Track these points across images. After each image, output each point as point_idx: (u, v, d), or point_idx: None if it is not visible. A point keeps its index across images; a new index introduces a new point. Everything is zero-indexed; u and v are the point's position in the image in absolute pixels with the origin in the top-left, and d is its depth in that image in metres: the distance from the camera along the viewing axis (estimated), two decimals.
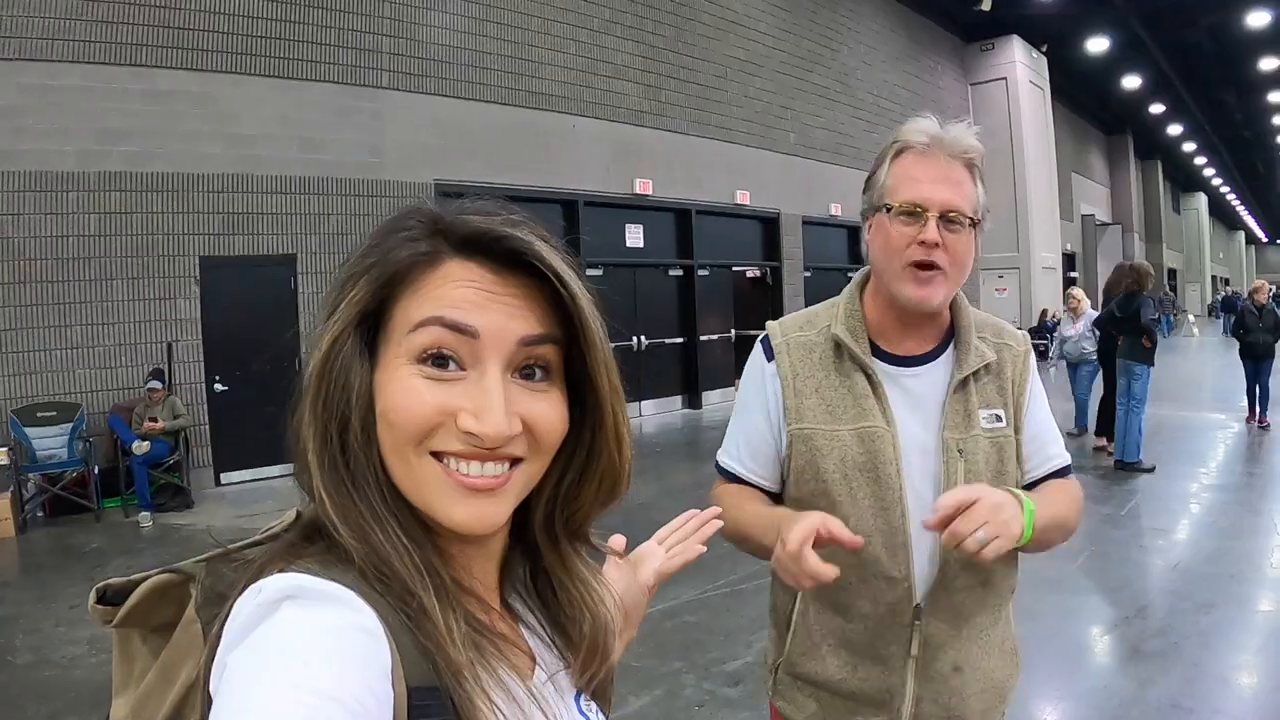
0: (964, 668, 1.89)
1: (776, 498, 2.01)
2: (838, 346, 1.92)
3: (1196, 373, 22.72)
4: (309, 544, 0.81)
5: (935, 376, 1.91)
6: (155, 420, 9.84)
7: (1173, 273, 52.80)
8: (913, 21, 25.08)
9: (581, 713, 0.97)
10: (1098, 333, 11.41)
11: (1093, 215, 36.55)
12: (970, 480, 1.82)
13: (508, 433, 0.81)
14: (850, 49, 21.80)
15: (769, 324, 2.07)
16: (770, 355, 1.99)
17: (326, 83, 12.25)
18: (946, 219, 1.77)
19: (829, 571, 1.58)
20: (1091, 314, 12.00)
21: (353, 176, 12.32)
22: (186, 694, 0.78)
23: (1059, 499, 1.88)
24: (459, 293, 0.82)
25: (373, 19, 12.76)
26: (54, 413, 9.89)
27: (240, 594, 0.74)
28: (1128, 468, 10.18)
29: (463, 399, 0.81)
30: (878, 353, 1.92)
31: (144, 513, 9.52)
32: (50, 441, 9.80)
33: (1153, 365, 10.35)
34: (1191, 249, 60.22)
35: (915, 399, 1.89)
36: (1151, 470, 10.07)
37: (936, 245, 1.76)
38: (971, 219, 1.79)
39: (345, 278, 0.84)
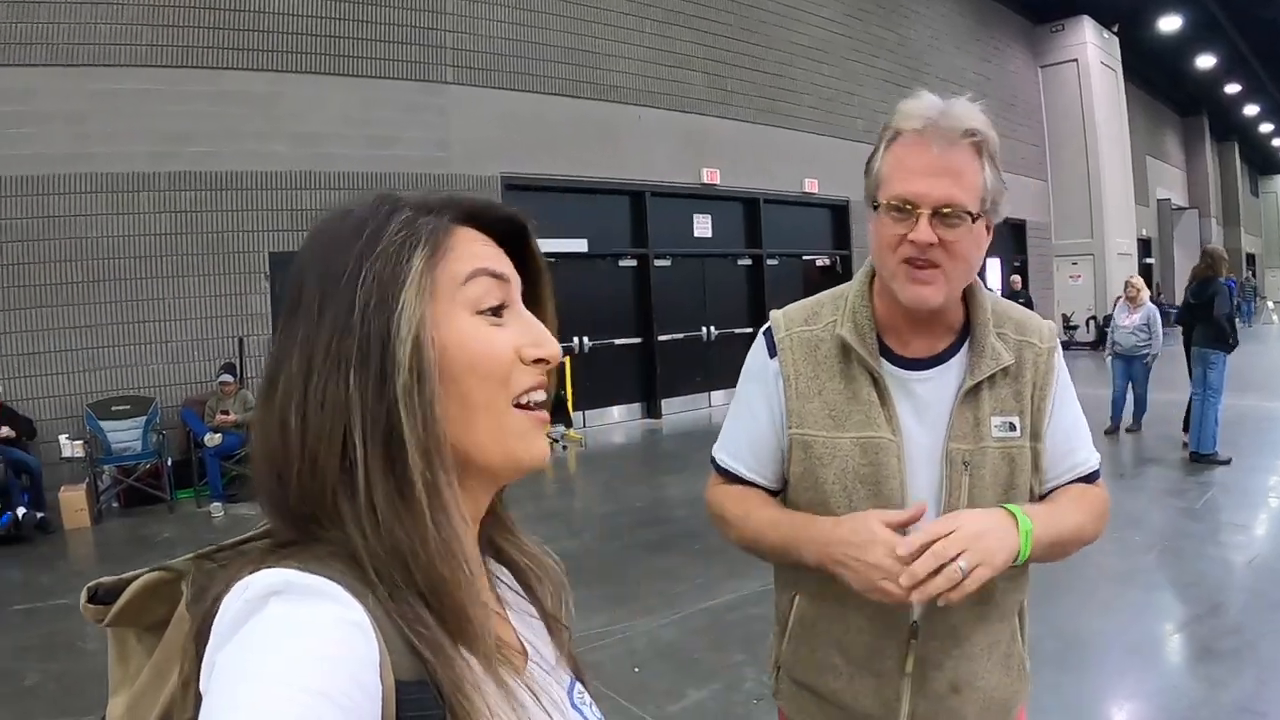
0: (962, 688, 1.79)
1: (775, 497, 1.91)
2: (844, 347, 1.79)
3: (1278, 362, 22.12)
4: (298, 541, 0.81)
5: (945, 381, 1.77)
6: (227, 413, 10.05)
7: (1251, 258, 51.65)
8: (980, 3, 24.63)
9: (574, 706, 0.97)
10: (1178, 327, 11.05)
11: (1169, 199, 35.85)
12: (976, 495, 1.71)
13: (560, 353, 0.93)
14: (917, 33, 21.53)
15: (773, 314, 1.94)
16: (773, 351, 1.88)
17: (392, 79, 12.39)
18: (941, 215, 1.61)
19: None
20: (1150, 307, 11.65)
21: (420, 172, 12.39)
22: (178, 692, 0.79)
23: (1073, 511, 1.76)
24: (483, 249, 0.91)
25: (437, 15, 12.86)
26: (128, 406, 10.14)
27: (228, 591, 0.74)
28: (1203, 460, 9.88)
29: (518, 337, 0.89)
30: (886, 353, 1.79)
31: (216, 503, 9.72)
32: (125, 434, 10.06)
33: (1228, 353, 10.01)
34: (1271, 233, 58.84)
35: (923, 406, 1.77)
36: (1228, 463, 9.76)
37: (931, 245, 1.61)
38: (972, 212, 1.62)
39: (370, 269, 0.83)
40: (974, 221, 1.63)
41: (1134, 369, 11.75)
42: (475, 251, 0.89)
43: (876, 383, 1.76)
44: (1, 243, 9.70)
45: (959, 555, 1.49)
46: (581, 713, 0.98)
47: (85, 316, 10.08)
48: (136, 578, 0.84)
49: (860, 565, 1.57)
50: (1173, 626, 5.61)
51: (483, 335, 0.87)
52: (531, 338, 0.90)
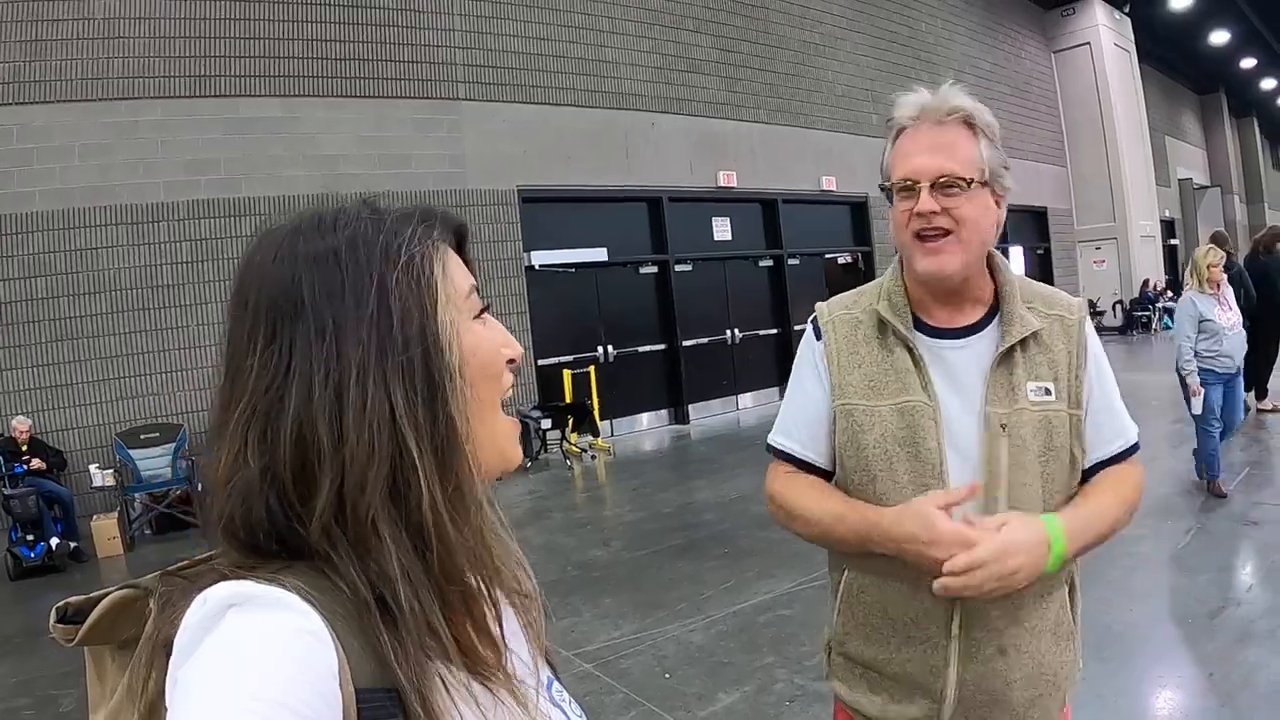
0: (1009, 650, 1.82)
1: (828, 477, 1.99)
2: (881, 322, 1.92)
3: None
4: (261, 557, 0.81)
5: (979, 349, 1.86)
6: None
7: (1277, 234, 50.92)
8: None
9: (554, 703, 0.98)
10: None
11: (1190, 179, 35.43)
12: (1015, 455, 1.79)
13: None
14: (928, 24, 21.42)
15: (818, 305, 2.08)
16: (819, 334, 2.01)
17: (405, 98, 12.49)
18: (940, 185, 1.76)
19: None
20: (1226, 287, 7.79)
21: (436, 189, 12.47)
22: (150, 708, 0.79)
23: (1111, 506, 1.83)
24: (457, 259, 0.96)
25: (446, 33, 12.93)
26: (157, 434, 10.24)
27: (187, 606, 0.74)
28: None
29: (498, 336, 0.96)
30: (920, 326, 1.90)
31: None
32: (154, 462, 10.15)
33: None
34: None
35: (958, 372, 1.86)
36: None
37: (935, 213, 1.77)
38: (966, 180, 1.76)
39: (397, 283, 0.85)
40: (970, 188, 1.77)
41: (1237, 387, 7.93)
42: (459, 263, 0.95)
43: (911, 352, 1.87)
44: (27, 278, 9.82)
45: (984, 586, 1.63)
46: (562, 709, 0.98)
47: (111, 347, 10.21)
48: (105, 596, 0.85)
49: (927, 560, 1.66)
50: (1210, 611, 5.49)
51: (486, 337, 0.93)
52: (504, 338, 0.96)
